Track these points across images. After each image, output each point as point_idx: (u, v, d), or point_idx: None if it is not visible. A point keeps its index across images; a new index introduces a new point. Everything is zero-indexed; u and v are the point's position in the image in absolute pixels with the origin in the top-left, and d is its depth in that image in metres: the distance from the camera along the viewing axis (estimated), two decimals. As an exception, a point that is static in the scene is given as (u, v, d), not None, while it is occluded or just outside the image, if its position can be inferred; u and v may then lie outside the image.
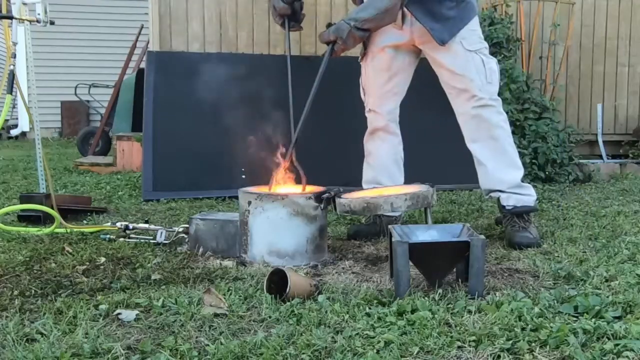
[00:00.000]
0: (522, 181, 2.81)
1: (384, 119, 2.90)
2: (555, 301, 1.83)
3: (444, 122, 4.41)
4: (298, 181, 2.58)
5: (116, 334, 1.64)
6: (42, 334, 1.62)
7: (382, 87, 2.86)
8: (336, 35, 2.51)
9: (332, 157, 4.05)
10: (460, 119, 2.77)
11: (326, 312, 1.76)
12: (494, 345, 1.52)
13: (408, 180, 2.92)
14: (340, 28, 2.51)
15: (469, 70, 2.68)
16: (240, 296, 1.91)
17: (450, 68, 2.71)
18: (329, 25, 2.66)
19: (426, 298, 1.85)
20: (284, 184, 2.55)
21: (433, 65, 2.79)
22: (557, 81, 5.41)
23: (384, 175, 2.94)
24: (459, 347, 1.53)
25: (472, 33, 2.71)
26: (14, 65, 3.05)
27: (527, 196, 2.78)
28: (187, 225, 2.61)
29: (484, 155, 2.77)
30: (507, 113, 4.65)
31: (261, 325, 1.70)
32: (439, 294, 1.88)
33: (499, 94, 4.22)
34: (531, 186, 2.87)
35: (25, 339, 1.59)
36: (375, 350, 1.50)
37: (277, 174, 2.56)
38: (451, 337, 1.57)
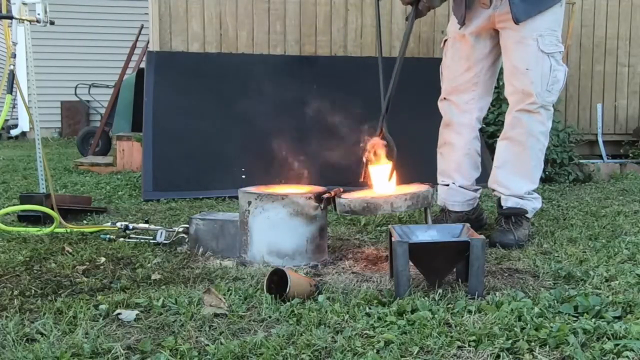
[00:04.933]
0: (530, 193, 2.78)
1: (457, 109, 2.83)
2: (555, 301, 1.83)
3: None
4: (389, 153, 2.54)
5: (116, 334, 1.64)
6: (42, 334, 1.62)
7: (460, 76, 2.80)
8: None
9: (332, 157, 4.06)
10: (507, 114, 2.75)
11: (326, 312, 1.76)
12: (494, 345, 1.52)
13: (408, 180, 2.92)
14: None
15: (533, 72, 2.61)
16: (240, 296, 1.91)
17: (516, 63, 2.64)
18: None
19: (426, 298, 1.85)
20: (376, 157, 2.52)
21: (503, 54, 2.73)
22: (557, 81, 5.41)
23: (455, 171, 2.89)
24: (459, 347, 1.53)
25: (552, 33, 2.63)
26: (14, 65, 3.05)
27: (528, 201, 2.77)
28: (187, 225, 2.61)
29: (503, 156, 2.74)
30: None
31: (261, 325, 1.70)
32: (439, 294, 1.88)
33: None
34: (539, 197, 2.85)
35: (25, 339, 1.59)
36: (375, 350, 1.50)
37: (370, 146, 2.52)
38: (451, 337, 1.57)
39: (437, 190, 2.89)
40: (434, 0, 2.50)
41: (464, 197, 2.91)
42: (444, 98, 2.88)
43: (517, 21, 2.58)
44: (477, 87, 2.82)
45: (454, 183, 2.90)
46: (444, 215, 2.93)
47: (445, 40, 2.86)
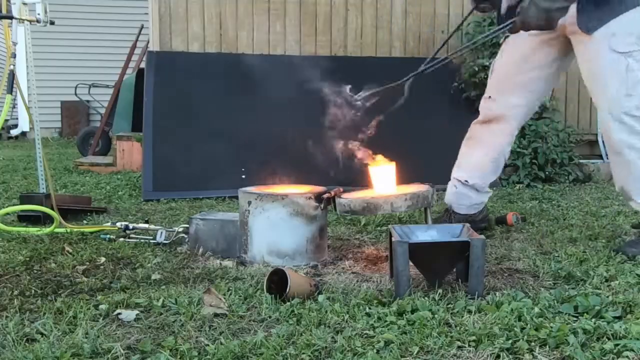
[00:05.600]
0: None
1: (501, 110, 2.66)
2: (555, 301, 1.83)
3: (445, 123, 4.40)
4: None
5: (116, 334, 1.64)
6: (42, 334, 1.62)
7: (513, 77, 2.62)
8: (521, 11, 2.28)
9: (332, 158, 4.06)
10: None
11: (326, 312, 1.76)
12: (494, 345, 1.52)
13: (408, 180, 2.93)
14: (522, 5, 2.27)
15: (605, 74, 2.36)
16: (240, 296, 1.91)
17: (587, 69, 2.43)
18: None
19: (426, 298, 1.85)
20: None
21: (578, 62, 2.50)
22: (557, 81, 5.40)
23: (476, 171, 2.76)
24: (459, 347, 1.53)
25: (626, 32, 2.34)
26: (14, 65, 3.05)
27: None
28: (187, 225, 2.61)
29: (615, 172, 2.52)
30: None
31: (261, 325, 1.70)
32: (439, 294, 1.88)
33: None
34: None
35: (25, 339, 1.59)
36: (375, 350, 1.50)
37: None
38: (451, 337, 1.57)
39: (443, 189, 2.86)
40: (528, 21, 2.26)
41: (471, 201, 2.84)
42: (489, 97, 2.70)
43: (587, 32, 2.34)
44: (533, 94, 2.65)
45: (466, 181, 2.79)
46: (447, 216, 2.88)
47: (507, 37, 2.68)
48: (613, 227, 3.00)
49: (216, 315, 1.76)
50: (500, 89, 2.68)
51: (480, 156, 2.77)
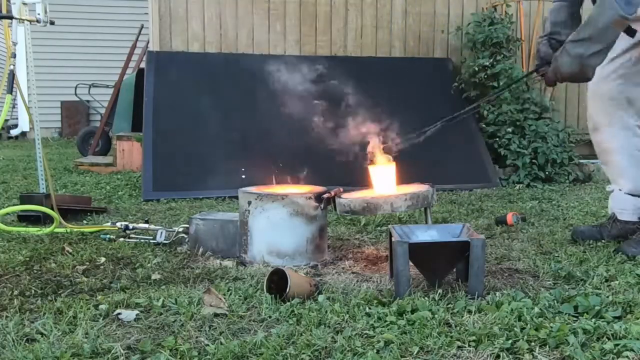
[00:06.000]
0: None
1: (601, 105, 2.51)
2: (555, 301, 1.83)
3: (445, 124, 4.39)
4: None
5: (116, 334, 1.64)
6: (42, 334, 1.62)
7: (603, 67, 2.40)
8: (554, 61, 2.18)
9: (332, 158, 4.07)
10: None
11: (326, 312, 1.76)
12: (494, 345, 1.52)
13: (408, 180, 2.93)
14: (555, 54, 2.18)
15: None
16: (240, 296, 1.91)
17: None
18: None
19: (426, 298, 1.85)
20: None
21: None
22: (557, 81, 5.40)
23: (620, 176, 2.56)
24: (458, 347, 1.53)
25: None
26: (14, 65, 3.05)
27: None
28: (187, 225, 2.61)
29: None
30: (506, 113, 4.71)
31: (261, 325, 1.70)
32: (439, 294, 1.88)
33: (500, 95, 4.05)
34: None
35: (25, 339, 1.59)
36: (375, 350, 1.50)
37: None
38: (451, 337, 1.57)
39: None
40: (561, 71, 2.16)
41: (634, 204, 2.56)
42: (589, 97, 2.58)
43: None
44: (624, 80, 2.47)
45: (620, 190, 2.60)
46: (610, 224, 2.63)
47: None
48: (613, 227, 3.00)
49: (216, 315, 1.76)
50: (593, 84, 2.52)
51: (615, 162, 2.60)
